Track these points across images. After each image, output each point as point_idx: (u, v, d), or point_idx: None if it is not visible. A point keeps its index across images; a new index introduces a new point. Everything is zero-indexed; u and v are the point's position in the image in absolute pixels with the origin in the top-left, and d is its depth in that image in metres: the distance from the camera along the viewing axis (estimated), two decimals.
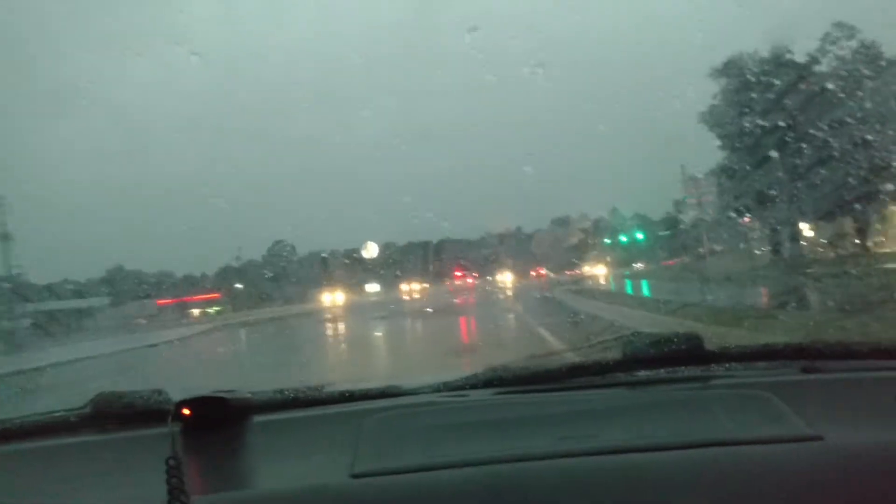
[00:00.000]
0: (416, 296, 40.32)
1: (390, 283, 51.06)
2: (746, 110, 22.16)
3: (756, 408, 1.36)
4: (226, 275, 50.74)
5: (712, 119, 24.17)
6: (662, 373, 1.65)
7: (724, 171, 24.04)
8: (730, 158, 23.69)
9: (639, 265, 55.82)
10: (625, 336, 1.72)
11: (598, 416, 1.39)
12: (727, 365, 1.70)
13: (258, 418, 1.54)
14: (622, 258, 53.62)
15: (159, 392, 1.54)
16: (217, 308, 41.88)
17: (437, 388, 1.66)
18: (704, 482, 1.13)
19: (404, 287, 45.52)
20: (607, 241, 55.32)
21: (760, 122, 21.20)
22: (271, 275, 50.31)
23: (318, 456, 1.37)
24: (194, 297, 43.81)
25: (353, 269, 49.77)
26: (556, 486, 1.13)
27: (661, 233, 60.54)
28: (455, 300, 31.18)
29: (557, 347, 7.22)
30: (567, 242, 63.14)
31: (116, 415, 1.55)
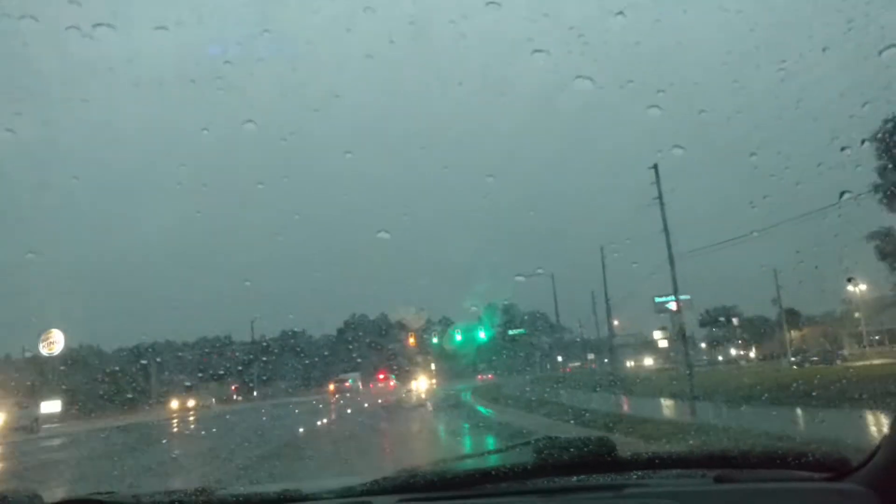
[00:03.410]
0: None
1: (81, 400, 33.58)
2: None
3: None
4: None
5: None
6: (575, 480, 1.67)
7: None
8: None
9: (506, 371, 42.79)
10: (538, 441, 1.72)
11: None
12: (639, 473, 1.71)
13: None
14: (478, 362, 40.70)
15: (34, 495, 1.57)
16: None
17: (340, 494, 1.65)
18: None
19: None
20: (458, 339, 38.28)
21: None
22: None
23: None
24: None
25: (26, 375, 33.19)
26: None
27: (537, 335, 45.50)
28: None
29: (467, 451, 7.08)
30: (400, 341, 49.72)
31: None
